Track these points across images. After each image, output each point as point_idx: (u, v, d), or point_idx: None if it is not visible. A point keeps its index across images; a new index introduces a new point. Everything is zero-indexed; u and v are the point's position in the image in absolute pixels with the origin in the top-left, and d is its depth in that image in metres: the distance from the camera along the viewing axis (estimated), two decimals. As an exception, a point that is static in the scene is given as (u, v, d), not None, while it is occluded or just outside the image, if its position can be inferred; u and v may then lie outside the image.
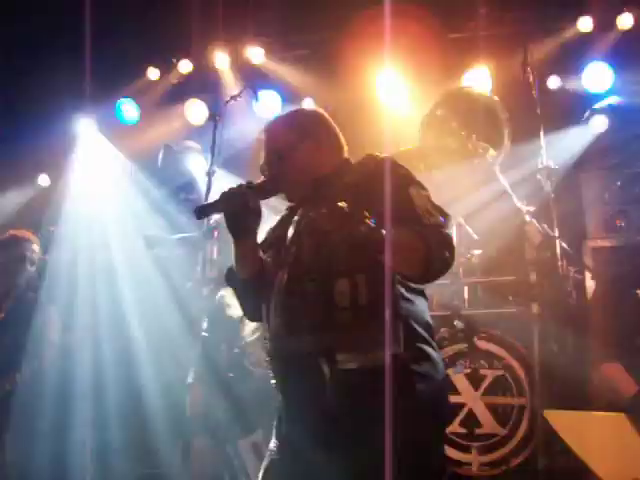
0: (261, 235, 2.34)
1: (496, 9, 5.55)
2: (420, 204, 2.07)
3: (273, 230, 2.39)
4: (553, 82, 5.20)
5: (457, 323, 4.21)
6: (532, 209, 4.37)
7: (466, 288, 4.54)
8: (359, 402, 2.03)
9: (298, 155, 2.28)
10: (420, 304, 2.16)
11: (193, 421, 3.80)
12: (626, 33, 5.23)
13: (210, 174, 3.82)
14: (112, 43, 5.57)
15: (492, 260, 4.64)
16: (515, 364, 4.08)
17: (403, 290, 2.10)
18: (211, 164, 3.86)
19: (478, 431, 4.05)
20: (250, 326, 4.00)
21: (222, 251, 4.27)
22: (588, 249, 4.63)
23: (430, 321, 2.18)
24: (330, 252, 2.06)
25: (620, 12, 5.22)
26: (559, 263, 4.32)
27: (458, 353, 4.15)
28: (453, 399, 4.05)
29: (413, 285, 2.14)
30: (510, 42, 5.27)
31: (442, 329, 4.21)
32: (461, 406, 4.08)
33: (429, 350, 2.11)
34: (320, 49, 5.92)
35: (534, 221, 4.29)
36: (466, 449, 4.03)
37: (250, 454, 3.72)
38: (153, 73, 6.18)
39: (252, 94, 4.91)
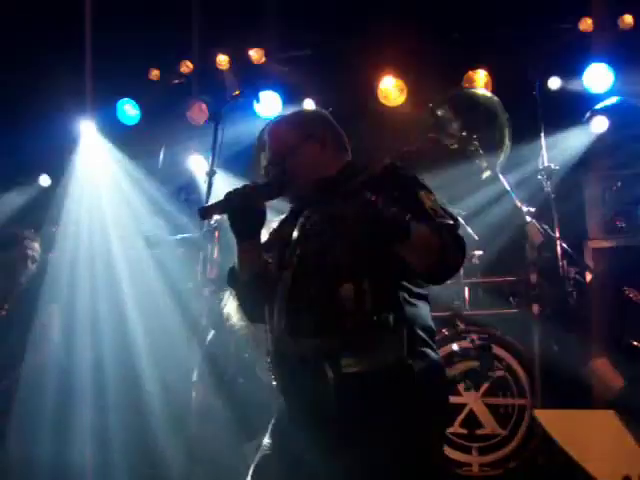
0: (264, 236, 2.34)
1: (497, 10, 5.55)
2: (430, 205, 2.06)
3: (276, 231, 2.39)
4: (554, 83, 5.20)
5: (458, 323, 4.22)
6: (533, 210, 4.38)
7: (467, 289, 4.55)
8: (362, 405, 2.02)
9: (302, 156, 2.26)
10: (423, 308, 2.15)
11: (196, 421, 3.79)
12: (627, 33, 5.23)
13: (210, 175, 3.82)
14: (113, 44, 5.58)
15: (493, 261, 4.65)
16: (516, 365, 4.08)
17: (406, 295, 2.09)
18: (211, 165, 3.86)
19: (479, 432, 4.05)
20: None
21: (223, 251, 4.27)
22: (589, 250, 4.63)
23: (432, 325, 2.17)
24: (335, 256, 2.06)
25: (621, 13, 5.22)
26: (560, 264, 4.33)
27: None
28: (454, 400, 4.06)
29: (416, 290, 2.13)
30: (511, 42, 5.28)
31: (443, 329, 4.21)
32: (462, 407, 4.08)
33: (431, 353, 2.11)
34: (321, 50, 5.92)
35: (535, 222, 4.30)
36: (467, 450, 4.04)
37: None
38: (154, 74, 6.19)
39: (253, 94, 4.91)
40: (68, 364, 4.27)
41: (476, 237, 4.52)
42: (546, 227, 4.33)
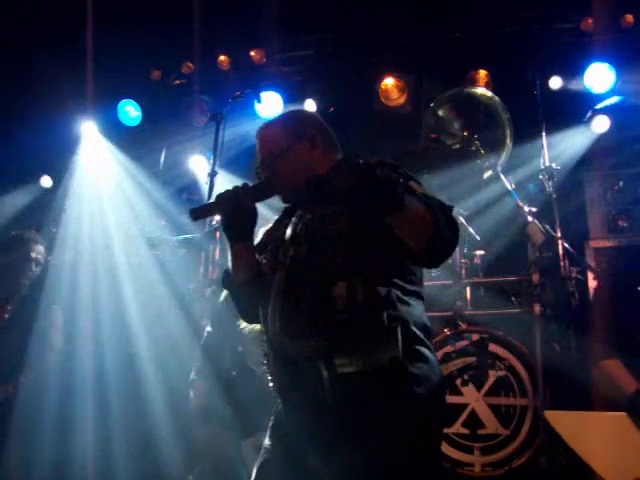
0: (257, 237, 2.34)
1: (498, 10, 5.55)
2: (421, 192, 2.05)
3: (269, 232, 2.39)
4: (555, 82, 5.20)
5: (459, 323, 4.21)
6: (534, 209, 4.37)
7: (468, 289, 4.54)
8: (357, 405, 2.02)
9: (292, 156, 2.28)
10: (417, 306, 2.15)
11: (196, 419, 3.79)
12: (628, 33, 5.23)
13: (212, 175, 3.82)
14: (114, 45, 5.58)
15: (494, 261, 4.65)
16: (518, 365, 4.08)
17: (399, 293, 2.09)
18: (213, 165, 3.86)
19: (481, 432, 4.05)
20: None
21: (224, 252, 4.26)
22: (590, 249, 4.63)
23: (427, 323, 2.16)
24: (328, 255, 2.07)
25: (622, 12, 5.21)
26: (561, 263, 4.33)
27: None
28: (456, 400, 4.06)
29: (410, 287, 2.13)
30: (512, 42, 5.28)
31: (445, 329, 4.21)
32: (464, 407, 4.08)
33: (426, 352, 2.10)
34: (322, 50, 5.92)
35: (536, 221, 4.29)
36: (469, 450, 4.03)
37: (254, 454, 3.70)
38: (155, 75, 6.19)
39: (254, 95, 4.92)
40: (70, 367, 4.27)
41: (478, 237, 4.52)
42: (547, 227, 4.33)
